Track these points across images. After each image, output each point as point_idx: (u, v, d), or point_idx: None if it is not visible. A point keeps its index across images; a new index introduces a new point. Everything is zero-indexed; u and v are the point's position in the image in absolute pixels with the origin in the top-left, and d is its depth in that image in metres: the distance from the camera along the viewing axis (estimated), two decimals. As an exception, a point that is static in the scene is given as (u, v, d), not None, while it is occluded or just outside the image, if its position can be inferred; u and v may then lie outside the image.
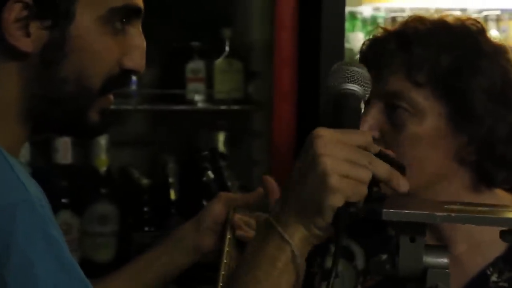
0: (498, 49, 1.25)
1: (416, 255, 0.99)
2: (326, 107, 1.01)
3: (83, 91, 0.98)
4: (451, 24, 1.25)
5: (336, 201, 0.92)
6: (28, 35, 0.95)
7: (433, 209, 0.95)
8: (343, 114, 0.98)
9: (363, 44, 1.31)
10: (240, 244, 1.27)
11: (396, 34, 1.25)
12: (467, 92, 1.20)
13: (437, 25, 1.25)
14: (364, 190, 0.93)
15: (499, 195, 1.28)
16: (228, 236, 1.26)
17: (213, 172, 2.20)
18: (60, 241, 0.90)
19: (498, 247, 1.25)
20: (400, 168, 0.96)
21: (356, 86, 0.99)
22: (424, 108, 1.21)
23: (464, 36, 1.24)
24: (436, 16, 1.28)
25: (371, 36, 1.30)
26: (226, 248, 1.24)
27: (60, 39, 0.96)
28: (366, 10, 2.56)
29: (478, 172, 1.24)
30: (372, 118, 1.22)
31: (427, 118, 1.21)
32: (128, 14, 1.00)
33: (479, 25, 1.27)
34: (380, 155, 0.95)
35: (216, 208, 1.30)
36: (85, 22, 0.96)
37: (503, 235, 0.97)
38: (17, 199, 0.89)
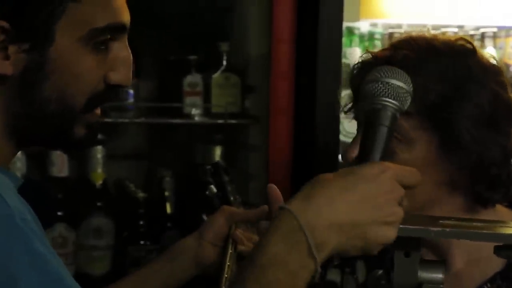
0: (489, 71, 1.24)
1: (411, 270, 0.99)
2: (361, 118, 0.97)
3: (66, 109, 0.98)
4: (440, 49, 1.23)
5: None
6: (7, 58, 0.94)
7: (427, 224, 0.94)
8: (372, 134, 0.96)
9: (353, 67, 1.30)
10: (242, 258, 1.27)
11: (383, 62, 1.23)
12: (454, 122, 1.19)
13: (426, 51, 1.23)
14: None
15: (499, 211, 1.27)
16: (230, 250, 1.26)
17: (216, 187, 2.19)
18: (46, 254, 0.88)
19: (497, 263, 1.24)
20: None
21: (391, 100, 0.95)
22: (413, 137, 1.21)
23: (453, 62, 1.22)
24: (427, 36, 1.26)
25: (359, 60, 1.29)
26: (228, 263, 1.23)
27: (40, 61, 0.95)
28: (363, 26, 2.57)
29: (472, 195, 1.24)
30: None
31: (416, 146, 1.21)
32: (112, 32, 0.99)
33: (469, 45, 1.25)
34: None
35: (218, 222, 1.30)
36: (66, 44, 0.95)
37: (497, 250, 0.97)
38: None
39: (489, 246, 1.11)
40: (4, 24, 0.93)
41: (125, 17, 1.00)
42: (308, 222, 0.87)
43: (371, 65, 1.25)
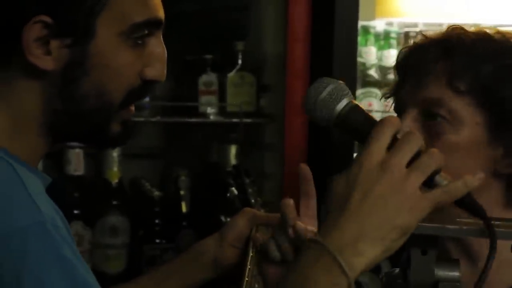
0: None
1: (427, 268, 0.99)
2: (341, 134, 1.00)
3: (105, 105, 0.98)
4: (492, 36, 1.25)
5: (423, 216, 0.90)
6: (48, 53, 0.95)
7: (444, 221, 0.94)
8: (364, 129, 0.98)
9: (400, 52, 1.30)
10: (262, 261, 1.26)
11: (440, 41, 1.24)
12: (506, 102, 1.19)
13: (479, 35, 1.24)
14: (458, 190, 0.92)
15: None
16: (251, 253, 1.23)
17: (237, 189, 2.20)
18: (74, 261, 0.89)
19: None
20: None
21: (345, 99, 0.99)
22: (462, 116, 1.20)
23: (506, 47, 1.23)
24: (474, 29, 1.28)
25: (411, 43, 1.29)
26: (248, 266, 1.21)
27: (81, 57, 0.96)
28: (379, 25, 2.57)
29: (510, 186, 1.21)
30: (407, 127, 1.21)
31: (465, 127, 1.20)
32: (150, 27, 0.99)
33: None
34: None
35: (240, 224, 1.28)
36: (106, 39, 0.96)
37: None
38: (28, 221, 0.88)
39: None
40: (47, 18, 0.94)
41: (162, 12, 1.01)
42: (335, 244, 0.88)
43: (426, 45, 1.25)
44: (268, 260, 1.20)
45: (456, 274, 1.00)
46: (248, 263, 1.22)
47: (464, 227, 0.93)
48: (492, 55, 1.21)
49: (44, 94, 0.97)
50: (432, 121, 1.19)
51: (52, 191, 1.00)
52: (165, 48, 1.02)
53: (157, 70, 1.01)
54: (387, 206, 0.88)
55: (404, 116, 1.22)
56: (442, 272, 1.00)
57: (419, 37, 1.29)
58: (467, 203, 0.94)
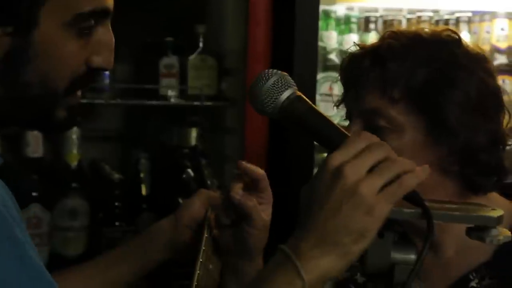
0: (475, 59, 1.25)
1: (384, 251, 1.01)
2: (284, 123, 1.02)
3: (48, 92, 0.98)
4: (427, 38, 1.26)
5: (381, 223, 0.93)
6: None
7: (401, 205, 0.95)
8: (309, 119, 1.00)
9: (343, 61, 1.33)
10: (217, 243, 1.27)
11: (371, 51, 1.26)
12: (440, 105, 1.20)
13: (412, 39, 1.25)
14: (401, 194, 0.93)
15: (491, 198, 1.28)
16: (206, 235, 1.24)
17: (193, 170, 2.19)
18: (25, 242, 0.88)
19: (485, 254, 1.26)
20: None
21: (288, 90, 1.00)
22: (401, 123, 1.22)
23: (440, 49, 1.24)
24: (412, 29, 1.30)
25: (348, 53, 1.31)
26: (203, 247, 1.22)
27: (23, 45, 0.94)
28: (340, 9, 2.58)
29: (463, 181, 1.24)
30: None
31: (406, 132, 1.22)
32: (96, 17, 0.98)
33: (455, 36, 1.27)
34: None
35: (195, 206, 1.29)
36: (50, 28, 0.95)
37: (469, 232, 0.99)
38: None
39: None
40: None
41: (109, 1, 1.00)
42: (294, 250, 0.94)
43: (360, 56, 1.27)
44: (220, 226, 1.25)
45: (412, 257, 1.01)
46: (203, 244, 1.23)
47: (419, 210, 0.95)
48: (424, 60, 1.22)
49: None
50: (374, 131, 1.19)
51: (8, 174, 0.99)
52: (113, 37, 1.01)
53: (104, 58, 1.00)
54: (341, 211, 0.92)
55: (350, 126, 1.25)
56: (399, 255, 1.01)
57: (353, 48, 1.31)
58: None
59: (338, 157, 0.94)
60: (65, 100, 1.00)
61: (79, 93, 1.02)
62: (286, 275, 0.93)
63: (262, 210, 1.22)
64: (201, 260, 1.20)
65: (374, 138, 0.97)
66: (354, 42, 1.35)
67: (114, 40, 1.01)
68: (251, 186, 1.23)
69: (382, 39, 1.28)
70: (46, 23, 0.94)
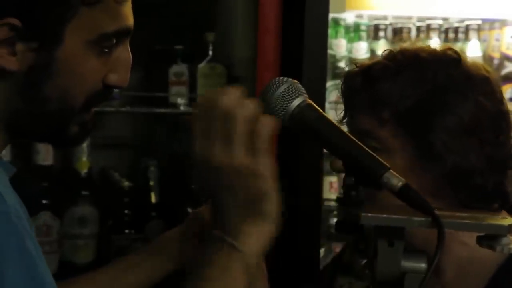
0: (474, 81, 1.22)
1: (394, 260, 1.00)
2: (295, 129, 1.03)
3: (65, 108, 0.99)
4: (424, 58, 1.23)
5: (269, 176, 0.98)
6: (13, 54, 0.95)
7: (411, 213, 0.95)
8: (319, 127, 1.00)
9: (343, 77, 1.32)
10: None
11: (365, 71, 1.25)
12: (427, 129, 1.19)
13: (408, 59, 1.23)
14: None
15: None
16: None
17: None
18: (34, 253, 0.89)
19: (484, 279, 1.24)
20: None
21: (299, 98, 1.01)
22: (391, 144, 1.21)
23: (435, 70, 1.21)
24: (414, 47, 1.27)
25: (345, 71, 1.32)
26: None
27: (46, 61, 0.96)
28: (349, 17, 2.58)
29: (460, 206, 1.21)
30: None
31: (396, 154, 1.20)
32: (118, 37, 1.00)
33: (455, 55, 1.24)
34: None
35: (204, 216, 1.29)
36: (74, 46, 0.96)
37: (479, 240, 0.98)
38: None
39: (479, 261, 1.10)
40: (15, 21, 0.93)
41: (131, 20, 1.01)
42: (224, 231, 0.99)
43: (353, 75, 1.26)
44: None
45: (422, 265, 1.01)
46: None
47: (430, 219, 0.94)
48: (416, 82, 1.20)
49: (6, 94, 0.97)
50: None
51: (18, 181, 1.00)
52: (131, 55, 1.03)
53: (120, 76, 1.02)
54: (234, 189, 0.97)
55: None
56: (409, 264, 1.01)
57: (351, 66, 1.31)
58: (412, 198, 0.95)
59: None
60: (80, 116, 1.01)
61: (93, 109, 1.03)
62: (224, 254, 0.96)
63: None
64: None
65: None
66: (351, 59, 1.35)
67: (131, 58, 1.02)
68: None
69: (379, 58, 1.27)
70: (70, 41, 0.96)
